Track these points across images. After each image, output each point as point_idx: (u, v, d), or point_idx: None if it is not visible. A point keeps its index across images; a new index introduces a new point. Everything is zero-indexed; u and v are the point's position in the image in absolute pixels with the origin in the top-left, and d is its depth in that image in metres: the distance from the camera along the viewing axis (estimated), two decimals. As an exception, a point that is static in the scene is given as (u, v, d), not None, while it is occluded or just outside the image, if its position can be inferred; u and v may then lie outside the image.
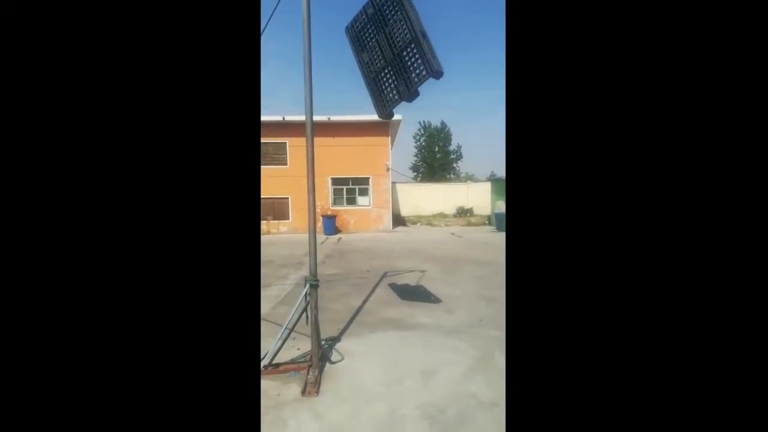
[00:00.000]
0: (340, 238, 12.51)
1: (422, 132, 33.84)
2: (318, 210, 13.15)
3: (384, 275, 6.01)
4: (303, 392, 2.41)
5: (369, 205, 14.91)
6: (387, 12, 2.27)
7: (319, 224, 13.55)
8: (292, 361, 2.85)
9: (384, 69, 2.34)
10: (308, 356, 2.78)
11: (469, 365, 2.75)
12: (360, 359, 2.91)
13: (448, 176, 32.69)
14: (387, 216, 14.97)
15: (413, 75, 2.19)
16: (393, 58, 2.26)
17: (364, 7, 2.38)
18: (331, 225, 13.99)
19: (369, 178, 14.86)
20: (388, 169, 14.84)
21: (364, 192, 15.00)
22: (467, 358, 2.87)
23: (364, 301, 4.58)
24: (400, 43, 2.21)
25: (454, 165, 34.23)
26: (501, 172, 27.39)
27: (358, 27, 2.45)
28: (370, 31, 2.39)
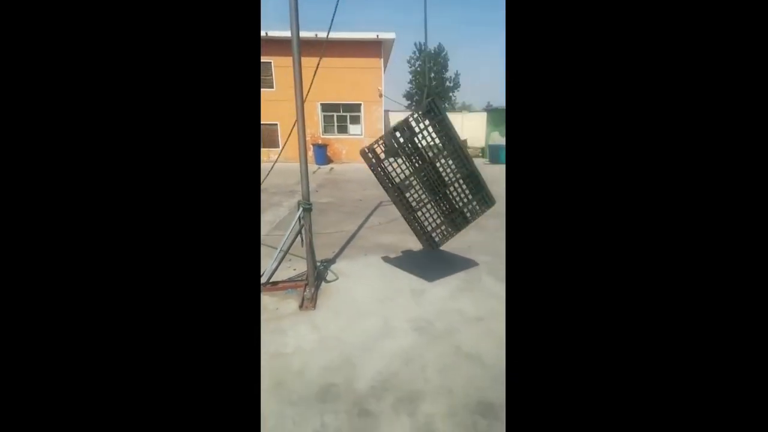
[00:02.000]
0: (332, 168, 12.37)
1: (417, 55, 31.56)
2: (308, 138, 12.69)
3: (378, 205, 6.07)
4: (300, 307, 2.57)
5: (361, 135, 14.45)
6: None
7: (310, 153, 13.24)
8: (290, 280, 2.99)
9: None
10: (304, 275, 2.91)
11: (457, 285, 2.92)
12: (354, 279, 3.06)
13: (443, 106, 31.29)
14: (379, 146, 14.64)
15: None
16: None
17: None
18: (323, 154, 13.68)
19: (360, 104, 14.17)
20: (381, 96, 14.10)
21: (355, 120, 14.42)
22: (456, 279, 3.04)
23: (358, 228, 4.69)
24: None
25: (450, 94, 32.66)
26: (498, 102, 26.37)
27: None
28: None
